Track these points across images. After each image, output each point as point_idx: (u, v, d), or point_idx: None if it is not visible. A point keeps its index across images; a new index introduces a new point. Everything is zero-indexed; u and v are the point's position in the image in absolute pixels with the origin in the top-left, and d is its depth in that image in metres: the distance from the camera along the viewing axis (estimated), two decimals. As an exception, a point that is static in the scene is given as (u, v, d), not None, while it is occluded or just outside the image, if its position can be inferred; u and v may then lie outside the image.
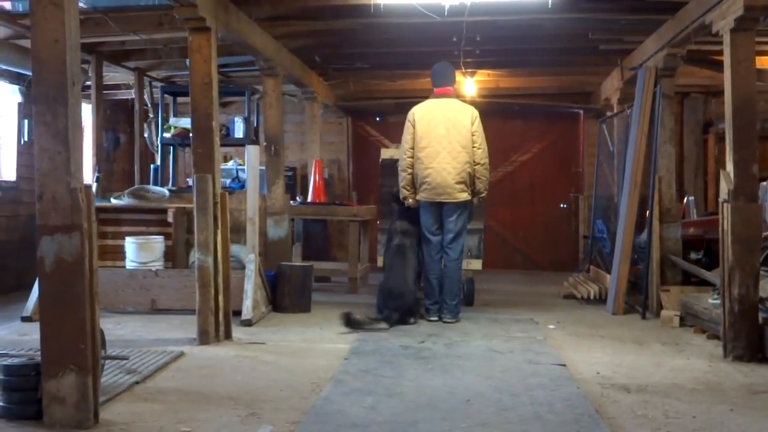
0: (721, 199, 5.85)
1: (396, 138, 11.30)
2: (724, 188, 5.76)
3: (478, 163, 7.20)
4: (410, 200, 7.29)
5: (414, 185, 7.26)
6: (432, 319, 7.16)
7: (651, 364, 5.52)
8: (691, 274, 7.75)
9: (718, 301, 5.99)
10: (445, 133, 7.13)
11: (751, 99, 5.80)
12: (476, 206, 7.69)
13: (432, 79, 7.51)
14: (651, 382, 4.93)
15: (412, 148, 7.22)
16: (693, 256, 8.17)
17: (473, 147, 7.15)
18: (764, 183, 8.00)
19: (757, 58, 6.64)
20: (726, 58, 5.84)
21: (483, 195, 7.35)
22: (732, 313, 5.61)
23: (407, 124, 7.28)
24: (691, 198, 10.23)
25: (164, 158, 10.11)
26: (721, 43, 6.01)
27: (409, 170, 7.25)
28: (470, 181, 7.19)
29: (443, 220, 7.24)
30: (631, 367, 5.41)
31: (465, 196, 7.18)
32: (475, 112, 7.26)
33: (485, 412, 4.17)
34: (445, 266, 7.27)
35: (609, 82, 10.60)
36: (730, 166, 5.75)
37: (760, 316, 5.62)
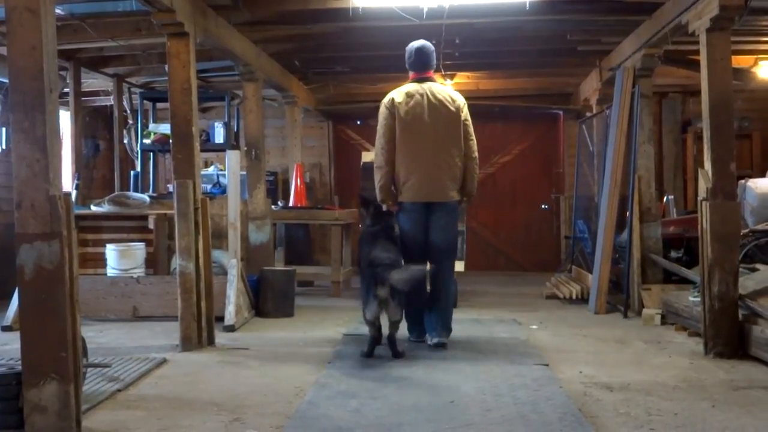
0: (699, 198, 5.90)
1: (377, 141, 11.33)
2: (703, 186, 5.81)
3: (470, 158, 6.18)
4: (389, 203, 6.17)
5: (394, 185, 6.20)
6: (413, 339, 6.19)
7: (633, 362, 5.55)
8: (671, 273, 7.81)
9: (698, 299, 6.03)
10: (431, 123, 6.06)
11: (728, 98, 5.85)
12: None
13: (408, 61, 6.32)
14: (633, 381, 4.96)
15: (392, 141, 6.10)
16: (673, 254, 8.25)
17: (463, 139, 6.14)
18: (742, 181, 8.11)
19: (733, 57, 6.69)
20: (702, 58, 5.89)
21: (472, 195, 6.34)
22: (712, 310, 5.65)
23: (384, 113, 6.13)
24: (671, 197, 10.31)
25: (144, 165, 10.07)
26: (697, 42, 6.06)
27: (388, 167, 6.12)
28: (461, 179, 6.18)
29: (430, 226, 6.14)
30: (614, 365, 5.43)
31: (456, 195, 6.17)
32: (463, 99, 6.24)
33: (469, 413, 4.18)
34: (435, 281, 6.15)
35: (588, 83, 10.67)
36: (708, 165, 5.79)
37: (740, 313, 5.67)
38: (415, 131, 6.06)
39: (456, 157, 6.11)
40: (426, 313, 6.14)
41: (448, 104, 6.12)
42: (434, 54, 6.37)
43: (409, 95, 6.12)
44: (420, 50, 6.28)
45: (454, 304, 8.12)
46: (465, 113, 6.18)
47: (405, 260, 5.88)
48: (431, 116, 6.07)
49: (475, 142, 6.22)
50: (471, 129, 6.21)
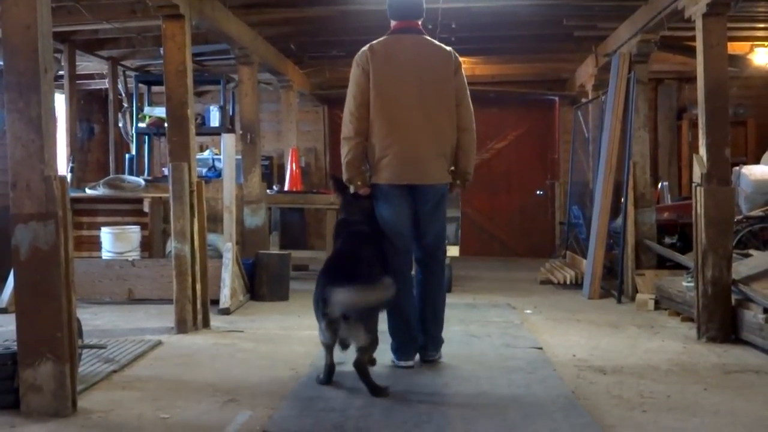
0: (694, 183, 5.91)
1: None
2: (697, 172, 5.82)
3: (465, 129, 4.89)
4: (358, 184, 4.83)
5: (365, 162, 4.87)
6: (403, 364, 4.81)
7: (626, 346, 5.58)
8: (665, 258, 7.84)
9: (691, 284, 6.06)
10: (416, 84, 4.79)
11: (724, 84, 5.85)
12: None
13: (389, 9, 4.99)
14: (626, 364, 4.99)
15: (365, 105, 4.78)
16: (667, 240, 8.27)
17: (456, 105, 4.88)
18: (737, 168, 8.13)
19: (729, 43, 6.70)
20: (698, 44, 5.89)
21: (468, 178, 4.98)
22: (705, 295, 5.68)
23: (356, 71, 4.82)
24: (666, 183, 10.33)
25: (139, 148, 10.05)
26: (693, 28, 6.05)
27: (359, 138, 4.79)
28: (452, 156, 4.91)
29: (417, 215, 4.87)
30: (607, 349, 5.46)
31: (446, 176, 4.90)
32: (457, 57, 4.97)
33: (463, 395, 4.21)
34: (424, 284, 4.99)
35: (584, 69, 10.66)
36: (702, 151, 5.81)
37: (733, 298, 5.70)
38: (394, 94, 4.78)
39: (447, 128, 4.85)
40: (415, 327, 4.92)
41: (437, 61, 4.89)
42: (421, 1, 5.02)
43: (388, 49, 4.85)
44: None
45: (447, 288, 8.19)
46: (459, 75, 4.92)
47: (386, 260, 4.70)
48: (416, 76, 4.81)
49: (471, 110, 4.94)
50: (467, 93, 4.94)
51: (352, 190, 4.87)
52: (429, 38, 5.01)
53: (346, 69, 12.46)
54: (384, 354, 4.82)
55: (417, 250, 5.00)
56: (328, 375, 4.44)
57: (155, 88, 10.22)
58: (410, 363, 4.82)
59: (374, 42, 4.90)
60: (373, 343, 4.41)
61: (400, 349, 4.85)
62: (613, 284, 7.99)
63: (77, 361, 4.09)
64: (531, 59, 11.52)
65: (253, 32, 8.55)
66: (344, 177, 4.87)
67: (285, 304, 7.51)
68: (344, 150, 4.83)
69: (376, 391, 4.18)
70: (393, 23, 4.98)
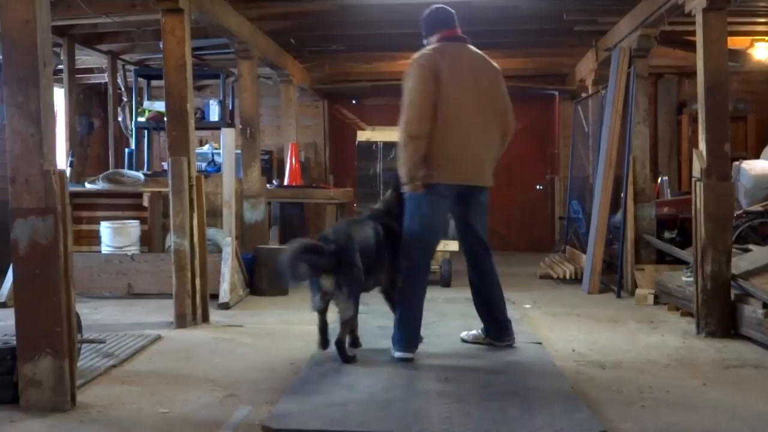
0: (693, 178, 5.91)
1: (372, 120, 11.30)
2: (697, 167, 5.82)
3: (508, 134, 5.28)
4: (417, 183, 4.88)
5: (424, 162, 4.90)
6: (408, 356, 4.87)
7: (626, 341, 5.58)
8: (665, 253, 7.85)
9: (691, 279, 6.06)
10: (474, 91, 4.98)
11: (724, 79, 5.85)
12: None
13: (431, 22, 5.19)
14: (626, 359, 4.99)
15: (433, 106, 4.83)
16: (667, 235, 8.28)
17: (503, 113, 5.19)
18: (737, 163, 8.13)
19: (729, 38, 6.68)
20: (698, 39, 5.88)
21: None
22: (705, 290, 5.68)
23: (422, 73, 4.86)
24: (665, 178, 10.33)
25: (139, 142, 10.05)
26: (694, 23, 6.04)
27: (426, 138, 4.83)
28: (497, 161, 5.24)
29: (467, 215, 5.14)
30: (606, 344, 5.47)
31: (493, 181, 5.20)
32: (498, 65, 5.22)
33: (463, 390, 4.20)
34: (489, 273, 5.22)
35: (584, 64, 10.64)
36: (702, 146, 5.80)
37: (732, 293, 5.70)
38: (459, 98, 4.91)
39: (496, 136, 5.15)
40: (490, 315, 5.23)
41: (490, 71, 5.12)
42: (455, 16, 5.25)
43: (451, 54, 4.98)
44: (444, 7, 5.25)
45: (447, 283, 8.24)
46: (503, 83, 5.20)
47: (409, 258, 4.96)
48: (474, 83, 4.99)
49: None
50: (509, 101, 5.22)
51: (407, 188, 4.92)
52: (474, 47, 5.17)
53: (346, 64, 12.49)
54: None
55: (468, 246, 5.23)
56: (323, 335, 4.92)
57: (155, 83, 10.21)
58: (411, 355, 4.90)
59: (434, 46, 5.04)
60: (351, 318, 4.83)
61: (407, 341, 4.91)
62: (612, 279, 7.99)
63: (76, 356, 4.10)
64: (531, 54, 11.49)
65: (253, 26, 8.54)
66: (405, 176, 4.89)
67: (284, 298, 7.51)
68: (411, 148, 4.84)
69: (347, 359, 4.75)
70: (439, 34, 5.11)
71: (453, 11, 5.21)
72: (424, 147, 4.83)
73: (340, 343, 4.79)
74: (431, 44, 5.10)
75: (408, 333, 4.94)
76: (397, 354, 4.88)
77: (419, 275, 4.97)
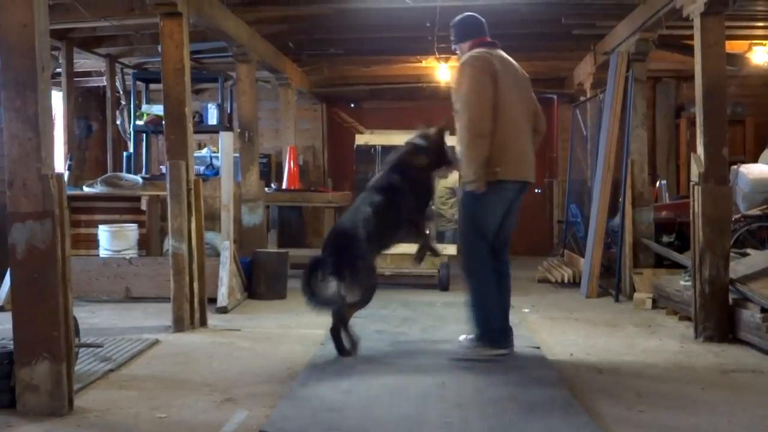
0: (692, 182, 5.91)
1: (371, 124, 11.32)
2: (695, 171, 5.82)
3: (540, 134, 5.43)
4: (481, 183, 4.98)
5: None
6: (503, 351, 5.09)
7: (624, 345, 5.58)
8: (663, 257, 7.85)
9: (689, 283, 6.06)
10: (518, 93, 5.19)
11: (722, 83, 5.85)
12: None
13: (464, 29, 5.37)
14: (624, 363, 4.99)
15: (493, 107, 4.98)
16: (665, 239, 8.27)
17: (536, 115, 5.37)
18: (735, 167, 8.12)
19: (727, 42, 6.69)
20: (696, 43, 5.88)
21: None
22: (703, 294, 5.68)
23: (480, 75, 4.99)
24: (664, 182, 10.33)
25: (137, 146, 10.03)
26: (692, 27, 6.05)
27: (489, 137, 4.94)
28: None
29: (509, 212, 5.28)
30: (604, 348, 5.47)
31: None
32: None
33: (460, 394, 4.20)
34: (502, 276, 5.43)
35: (582, 67, 10.65)
36: (700, 149, 5.80)
37: (731, 297, 5.70)
38: (512, 100, 5.10)
39: (531, 135, 5.32)
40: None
41: (523, 73, 5.38)
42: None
43: (497, 57, 5.16)
44: (473, 14, 5.44)
45: (445, 287, 8.24)
46: (531, 85, 5.46)
47: (474, 255, 5.20)
48: (517, 86, 5.21)
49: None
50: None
51: (472, 186, 4.99)
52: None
53: (345, 67, 12.50)
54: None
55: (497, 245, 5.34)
56: (337, 339, 5.07)
57: (153, 86, 10.19)
58: (503, 351, 5.06)
59: (481, 50, 5.15)
60: (361, 303, 5.07)
61: (482, 336, 5.08)
62: (610, 283, 7.99)
63: (74, 360, 4.09)
64: (529, 57, 11.43)
65: (251, 30, 8.54)
66: (472, 174, 4.97)
67: (283, 302, 7.51)
68: (476, 147, 4.93)
69: (344, 353, 5.00)
70: (474, 40, 5.26)
71: (483, 18, 5.38)
72: (489, 145, 4.94)
73: (335, 332, 5.06)
74: (464, 50, 5.26)
75: (492, 327, 5.09)
76: (489, 352, 5.01)
77: (486, 271, 5.19)
